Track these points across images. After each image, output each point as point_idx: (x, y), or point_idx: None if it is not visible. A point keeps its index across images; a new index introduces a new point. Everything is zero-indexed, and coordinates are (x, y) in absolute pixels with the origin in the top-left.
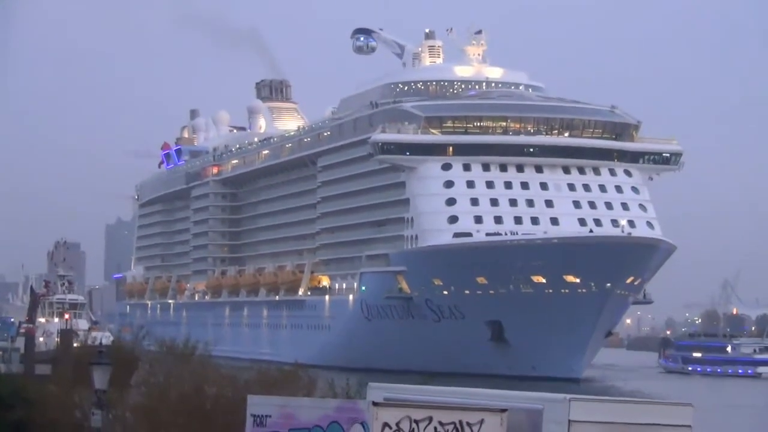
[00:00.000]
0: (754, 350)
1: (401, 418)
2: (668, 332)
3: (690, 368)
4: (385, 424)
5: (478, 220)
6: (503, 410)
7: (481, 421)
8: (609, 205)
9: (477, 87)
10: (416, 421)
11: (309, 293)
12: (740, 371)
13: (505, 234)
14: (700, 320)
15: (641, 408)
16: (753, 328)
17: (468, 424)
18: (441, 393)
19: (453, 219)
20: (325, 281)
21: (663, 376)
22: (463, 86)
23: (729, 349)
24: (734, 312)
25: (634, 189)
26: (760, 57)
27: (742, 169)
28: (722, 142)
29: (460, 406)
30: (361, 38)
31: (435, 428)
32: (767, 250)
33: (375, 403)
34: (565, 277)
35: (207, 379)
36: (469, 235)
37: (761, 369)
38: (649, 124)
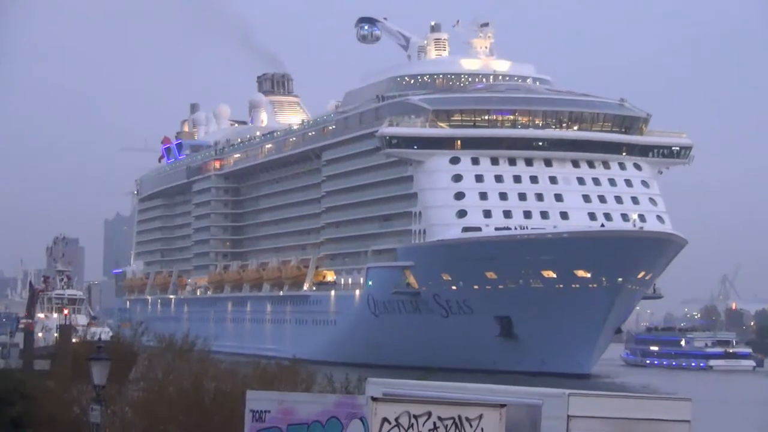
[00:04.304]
0: (706, 344)
1: (400, 414)
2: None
3: (648, 361)
4: (384, 420)
5: (487, 214)
6: (502, 405)
7: (480, 416)
8: (619, 199)
9: (484, 80)
10: (415, 417)
11: (314, 288)
12: (693, 364)
13: (515, 228)
14: (699, 315)
15: (640, 403)
16: (752, 324)
17: (467, 419)
18: (440, 388)
19: (461, 213)
20: (330, 276)
21: (617, 370)
22: (470, 79)
23: (683, 342)
24: (733, 307)
25: (644, 183)
26: None
27: (744, 163)
28: (728, 135)
29: (459, 401)
30: (365, 27)
31: (434, 423)
32: (766, 245)
33: (374, 399)
34: (575, 271)
35: (206, 374)
36: (478, 229)
37: (713, 362)
38: (659, 117)
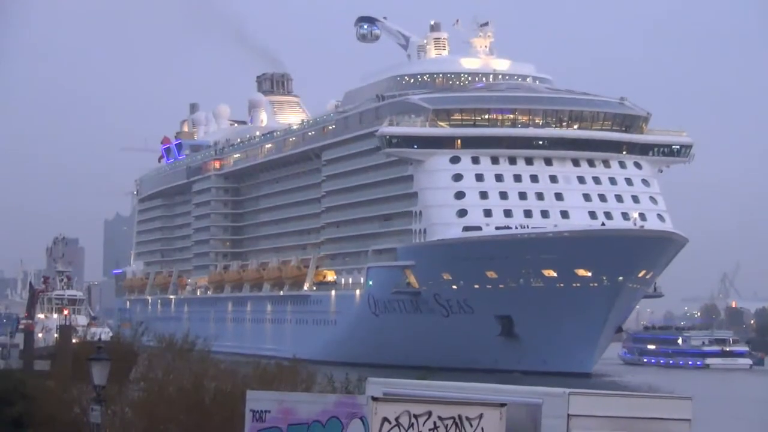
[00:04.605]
0: (703, 342)
1: (400, 413)
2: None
3: (645, 360)
4: (385, 419)
5: (488, 213)
6: (502, 405)
7: (481, 416)
8: (619, 198)
9: (484, 79)
10: (415, 416)
11: (314, 288)
12: (690, 363)
13: (515, 228)
14: (699, 314)
15: (641, 402)
16: (752, 322)
17: (467, 418)
18: (440, 388)
19: (462, 212)
20: (331, 276)
21: (616, 368)
22: (470, 78)
23: (680, 341)
24: (733, 305)
25: (645, 181)
26: None
27: (744, 161)
28: (728, 133)
29: (459, 400)
30: (365, 26)
31: (434, 423)
32: (766, 242)
33: (374, 398)
34: (576, 270)
35: (206, 374)
36: (479, 228)
37: (709, 360)
38: (659, 116)
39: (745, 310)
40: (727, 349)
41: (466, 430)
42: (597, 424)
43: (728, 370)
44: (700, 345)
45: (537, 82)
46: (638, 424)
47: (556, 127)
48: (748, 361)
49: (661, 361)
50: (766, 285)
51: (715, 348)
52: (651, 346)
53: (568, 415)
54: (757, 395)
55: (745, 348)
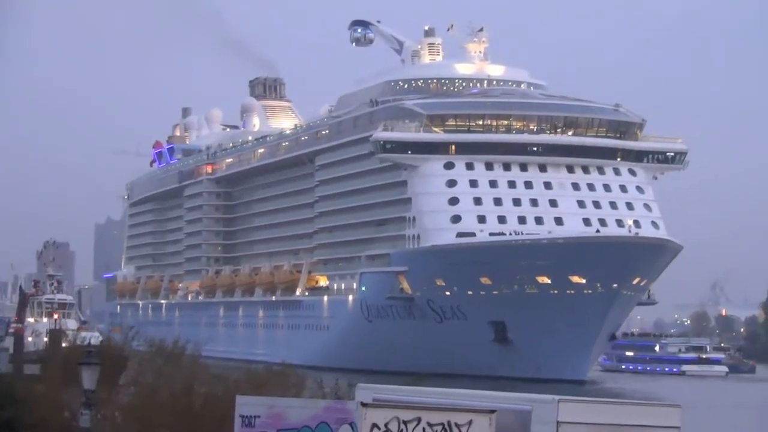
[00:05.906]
0: (680, 350)
1: (390, 419)
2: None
3: (623, 366)
4: (374, 425)
5: (482, 219)
6: (492, 411)
7: (470, 422)
8: (614, 205)
9: (478, 85)
10: (405, 422)
11: (306, 293)
12: (667, 369)
13: (509, 234)
14: (689, 321)
15: (630, 409)
16: (742, 330)
17: (456, 425)
18: (430, 394)
19: (456, 218)
20: (323, 281)
21: (599, 375)
22: (464, 84)
23: (657, 348)
24: (723, 313)
25: (639, 188)
26: None
27: (736, 167)
28: (719, 140)
29: (448, 407)
30: (359, 30)
31: (423, 429)
32: (757, 250)
33: (364, 404)
34: (570, 277)
35: (196, 379)
36: (473, 234)
37: (686, 367)
38: (654, 122)
39: (735, 318)
40: (704, 357)
41: None
42: (586, 430)
43: (704, 376)
44: (676, 352)
45: (531, 88)
46: (627, 431)
47: (550, 133)
48: (724, 368)
49: (639, 368)
50: (756, 293)
51: (692, 355)
52: (629, 353)
53: (558, 421)
54: (738, 401)
55: (721, 355)
